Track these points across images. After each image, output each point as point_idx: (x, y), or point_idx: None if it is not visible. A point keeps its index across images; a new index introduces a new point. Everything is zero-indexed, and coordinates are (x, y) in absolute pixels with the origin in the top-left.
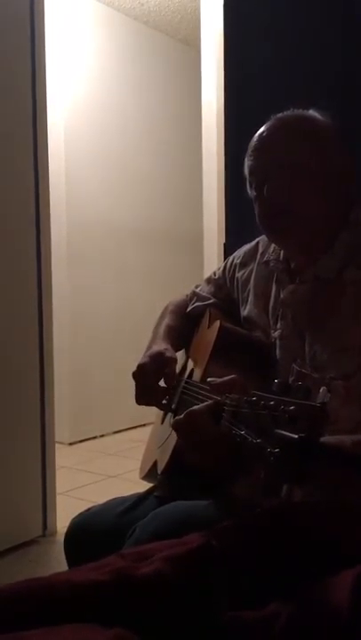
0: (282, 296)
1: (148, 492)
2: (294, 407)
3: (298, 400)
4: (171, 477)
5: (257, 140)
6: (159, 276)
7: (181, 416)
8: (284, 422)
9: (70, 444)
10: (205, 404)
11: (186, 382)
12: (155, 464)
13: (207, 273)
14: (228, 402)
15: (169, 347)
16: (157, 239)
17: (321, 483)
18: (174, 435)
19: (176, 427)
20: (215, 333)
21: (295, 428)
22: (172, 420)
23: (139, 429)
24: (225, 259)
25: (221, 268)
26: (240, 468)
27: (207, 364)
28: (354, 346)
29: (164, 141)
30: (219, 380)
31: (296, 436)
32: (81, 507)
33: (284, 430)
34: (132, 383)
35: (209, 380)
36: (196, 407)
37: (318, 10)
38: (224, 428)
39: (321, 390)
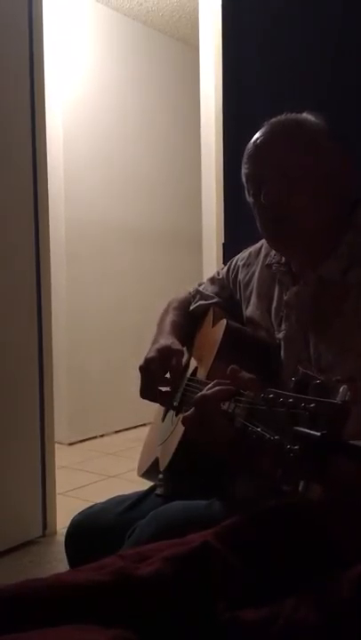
0: (285, 297)
1: (150, 491)
2: (315, 405)
3: (318, 398)
4: (173, 475)
5: (251, 148)
6: (158, 276)
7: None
8: (304, 420)
9: (70, 443)
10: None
11: (189, 379)
12: (155, 461)
13: (206, 272)
14: (242, 399)
15: (175, 340)
16: (156, 239)
17: (338, 480)
18: (177, 432)
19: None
20: (222, 332)
21: (316, 425)
22: (174, 418)
23: (139, 429)
24: (224, 258)
25: (225, 269)
26: (243, 462)
27: (213, 361)
28: (359, 347)
29: (162, 140)
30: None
31: (319, 434)
32: (81, 507)
33: (304, 428)
34: (132, 382)
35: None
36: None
37: (316, 8)
38: (238, 425)
39: (341, 389)
